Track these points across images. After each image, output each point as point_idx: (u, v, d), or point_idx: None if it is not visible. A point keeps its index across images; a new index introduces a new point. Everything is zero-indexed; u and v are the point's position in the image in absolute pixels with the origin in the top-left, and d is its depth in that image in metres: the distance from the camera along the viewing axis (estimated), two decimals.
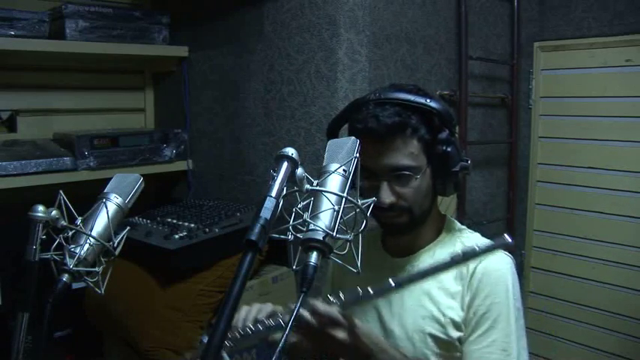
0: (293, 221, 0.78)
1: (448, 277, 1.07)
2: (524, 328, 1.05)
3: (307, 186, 0.80)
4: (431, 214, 1.12)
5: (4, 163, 1.80)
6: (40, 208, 0.83)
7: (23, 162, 1.84)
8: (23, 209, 0.84)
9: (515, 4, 2.33)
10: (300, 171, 0.79)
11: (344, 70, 1.75)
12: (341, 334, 0.92)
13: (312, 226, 0.75)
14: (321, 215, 0.76)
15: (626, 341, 2.25)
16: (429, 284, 1.08)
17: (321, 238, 0.74)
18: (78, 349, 1.94)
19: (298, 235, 0.77)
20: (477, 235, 1.15)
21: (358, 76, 1.77)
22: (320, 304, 0.91)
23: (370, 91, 1.10)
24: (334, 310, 0.88)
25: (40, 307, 0.81)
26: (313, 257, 0.73)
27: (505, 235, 0.87)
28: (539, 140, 2.49)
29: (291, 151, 0.79)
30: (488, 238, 1.11)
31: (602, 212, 2.31)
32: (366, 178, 1.06)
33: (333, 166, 0.82)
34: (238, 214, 1.87)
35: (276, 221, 0.75)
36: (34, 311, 0.83)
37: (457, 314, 1.05)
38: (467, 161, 1.07)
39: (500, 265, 1.05)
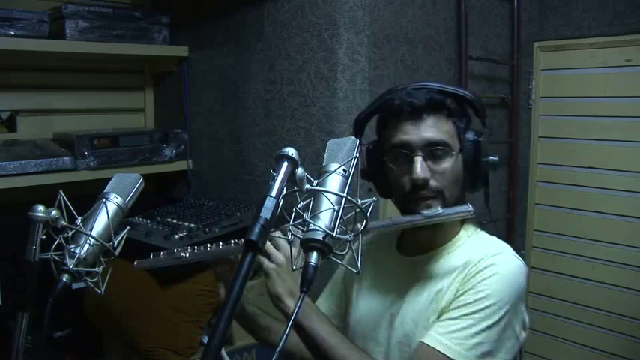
0: (293, 221, 0.78)
1: (444, 278, 1.05)
2: (509, 344, 0.99)
3: (307, 186, 0.80)
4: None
5: (4, 163, 1.80)
6: (40, 208, 0.83)
7: (23, 162, 1.84)
8: (23, 209, 0.84)
9: (515, 4, 2.33)
10: (300, 171, 0.79)
11: (344, 70, 1.75)
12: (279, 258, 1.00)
13: (312, 226, 0.75)
14: (321, 215, 0.76)
15: (626, 341, 2.25)
16: (428, 291, 1.05)
17: (321, 238, 0.74)
18: (78, 349, 1.93)
19: (298, 235, 0.77)
20: (494, 238, 1.11)
21: (358, 76, 1.77)
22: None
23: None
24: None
25: (40, 307, 0.81)
26: (313, 257, 0.73)
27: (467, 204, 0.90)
28: (539, 140, 2.49)
29: (291, 151, 0.79)
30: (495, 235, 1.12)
31: (602, 212, 2.31)
32: (397, 160, 1.05)
33: (333, 166, 0.82)
34: (238, 214, 1.87)
35: (276, 221, 0.75)
36: (34, 311, 0.83)
37: (446, 300, 1.04)
38: (495, 156, 1.06)
39: (510, 266, 1.01)
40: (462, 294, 0.99)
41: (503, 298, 0.97)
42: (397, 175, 1.06)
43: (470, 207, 0.95)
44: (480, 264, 1.01)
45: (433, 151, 1.02)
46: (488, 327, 0.96)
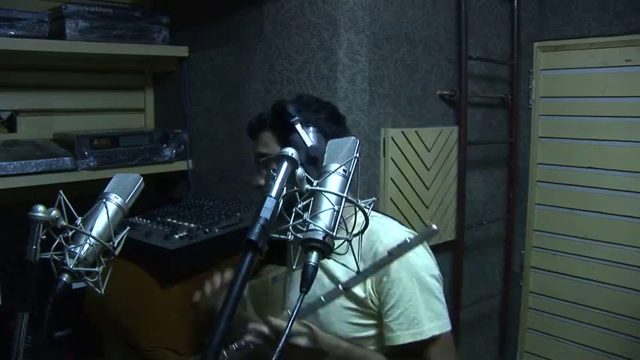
0: (293, 221, 0.78)
1: (351, 259, 1.10)
2: (434, 294, 1.16)
3: (307, 186, 0.80)
4: None
5: (4, 163, 1.80)
6: (40, 208, 0.83)
7: (23, 162, 1.84)
8: (23, 209, 0.84)
9: (515, 4, 2.33)
10: (300, 171, 0.80)
11: (344, 70, 1.75)
12: (303, 341, 1.07)
13: (312, 226, 0.75)
14: (321, 215, 0.76)
15: (626, 341, 2.25)
16: (337, 270, 1.19)
17: (321, 238, 0.74)
18: (78, 349, 1.93)
19: (298, 235, 0.77)
20: (377, 215, 1.26)
21: (358, 76, 1.77)
22: (274, 320, 1.08)
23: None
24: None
25: (40, 307, 0.81)
26: (313, 257, 0.74)
27: (432, 224, 0.87)
28: (539, 140, 2.49)
29: (291, 151, 0.79)
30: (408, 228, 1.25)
31: (602, 212, 2.31)
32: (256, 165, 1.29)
33: (333, 166, 0.82)
34: (238, 214, 1.87)
35: (276, 221, 0.75)
36: (34, 311, 0.83)
37: (363, 289, 1.16)
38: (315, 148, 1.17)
39: (399, 238, 1.09)
40: (390, 290, 1.14)
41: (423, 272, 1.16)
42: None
43: (434, 227, 0.90)
44: (379, 255, 1.11)
45: (262, 161, 1.26)
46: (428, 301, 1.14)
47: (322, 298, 0.99)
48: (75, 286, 0.86)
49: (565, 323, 2.44)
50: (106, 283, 0.87)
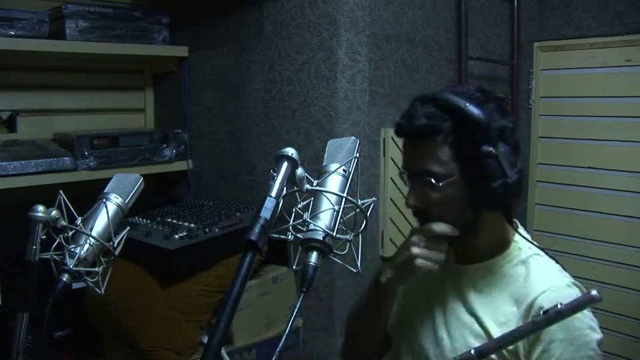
0: (293, 221, 0.78)
1: (503, 300, 1.02)
2: None
3: (307, 186, 0.80)
4: (482, 226, 1.02)
5: (4, 163, 1.80)
6: (40, 208, 0.83)
7: (23, 162, 1.84)
8: (23, 209, 0.84)
9: (515, 4, 2.32)
10: (300, 171, 0.80)
11: (344, 70, 1.75)
12: None
13: (312, 226, 0.75)
14: (321, 215, 0.76)
15: (626, 341, 2.25)
16: (481, 308, 1.04)
17: (321, 238, 0.74)
18: (78, 349, 1.93)
19: (298, 235, 0.77)
20: (545, 258, 1.06)
21: (358, 76, 1.77)
22: None
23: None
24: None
25: (40, 307, 0.82)
26: (313, 257, 0.73)
27: (593, 291, 0.73)
28: (539, 140, 2.48)
29: (291, 151, 0.79)
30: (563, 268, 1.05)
31: (602, 212, 2.31)
32: (402, 175, 1.05)
33: (333, 166, 0.82)
34: (238, 214, 1.87)
35: (276, 221, 0.75)
36: (34, 311, 0.83)
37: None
38: (513, 178, 0.94)
39: (564, 297, 0.95)
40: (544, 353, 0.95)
41: (588, 345, 0.97)
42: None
43: (595, 293, 0.75)
44: (535, 310, 0.95)
45: (424, 179, 0.98)
46: None
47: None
48: (75, 286, 0.86)
49: None
50: (106, 283, 0.87)
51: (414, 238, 1.00)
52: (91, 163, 1.99)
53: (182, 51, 2.28)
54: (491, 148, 0.93)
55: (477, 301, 1.04)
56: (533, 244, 1.08)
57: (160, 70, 2.45)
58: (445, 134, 0.96)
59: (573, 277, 1.05)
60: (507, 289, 1.02)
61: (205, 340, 1.69)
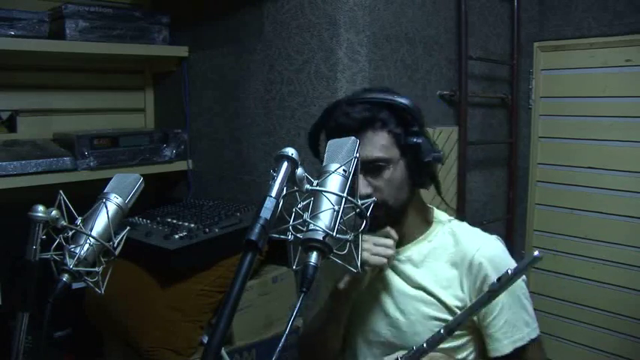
0: (293, 221, 0.78)
1: (441, 267, 1.14)
2: (527, 297, 1.13)
3: (307, 186, 0.80)
4: (411, 206, 1.16)
5: (4, 163, 1.80)
6: (40, 208, 0.83)
7: (23, 162, 1.84)
8: (23, 209, 0.84)
9: (515, 4, 2.33)
10: (300, 171, 0.80)
11: (344, 70, 1.75)
12: None
13: (312, 226, 0.75)
14: (321, 215, 0.76)
15: (626, 341, 2.25)
16: (424, 278, 1.14)
17: (321, 238, 0.74)
18: (78, 349, 1.93)
19: (298, 235, 0.77)
20: (465, 224, 1.20)
21: (358, 76, 1.77)
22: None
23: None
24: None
25: (40, 307, 0.81)
26: (313, 257, 0.73)
27: (535, 251, 0.80)
28: (539, 140, 2.49)
29: (291, 151, 0.79)
30: (481, 229, 1.20)
31: (602, 212, 2.31)
32: None
33: (333, 166, 0.82)
34: (238, 214, 1.87)
35: (276, 221, 0.75)
36: (34, 311, 0.83)
37: (457, 298, 1.11)
38: (439, 152, 1.12)
39: (497, 251, 1.13)
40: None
41: (520, 285, 1.12)
42: None
43: (536, 254, 0.82)
44: (484, 267, 1.09)
45: (370, 167, 1.08)
46: (527, 303, 1.12)
47: (424, 345, 0.91)
48: (75, 286, 0.86)
49: (565, 323, 2.43)
50: (106, 283, 0.87)
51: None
52: (91, 163, 1.99)
53: (182, 51, 2.29)
54: (421, 129, 1.10)
55: (418, 275, 1.15)
56: (451, 217, 1.22)
57: (160, 70, 2.45)
58: (382, 122, 1.09)
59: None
60: (442, 257, 1.14)
61: (205, 340, 1.69)
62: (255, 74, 2.02)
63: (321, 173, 0.82)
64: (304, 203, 0.79)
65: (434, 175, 1.16)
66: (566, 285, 2.42)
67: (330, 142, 0.88)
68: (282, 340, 0.66)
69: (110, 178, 0.95)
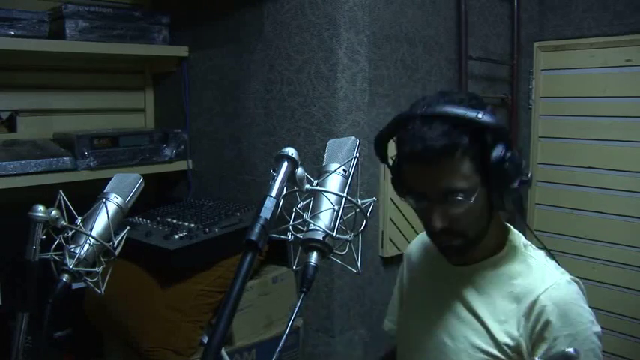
0: (293, 221, 0.78)
1: (501, 297, 1.04)
2: (598, 355, 0.99)
3: (307, 186, 0.80)
4: (490, 228, 1.05)
5: (4, 163, 1.79)
6: (40, 208, 0.83)
7: (23, 162, 1.84)
8: (23, 209, 0.84)
9: (515, 4, 2.32)
10: (300, 171, 0.80)
11: (344, 70, 1.75)
12: None
13: (312, 226, 0.75)
14: (321, 215, 0.76)
15: (626, 341, 2.25)
16: (480, 306, 1.05)
17: (321, 238, 0.74)
18: (78, 349, 1.93)
19: (298, 235, 0.77)
20: (541, 253, 1.08)
21: (358, 76, 1.77)
22: None
23: (417, 100, 1.01)
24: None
25: (40, 307, 0.81)
26: (313, 257, 0.73)
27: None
28: (539, 140, 2.48)
29: (291, 151, 0.79)
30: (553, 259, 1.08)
31: (602, 212, 2.31)
32: (415, 199, 1.01)
33: (333, 166, 0.82)
34: (238, 214, 1.87)
35: (276, 221, 0.75)
36: (34, 311, 0.83)
37: (509, 335, 1.01)
38: (527, 175, 0.98)
39: (568, 296, 0.99)
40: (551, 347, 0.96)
41: (590, 338, 0.98)
42: (419, 213, 1.02)
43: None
44: (548, 312, 0.97)
45: (451, 199, 0.96)
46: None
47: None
48: (75, 286, 0.86)
49: None
50: (106, 283, 0.87)
51: None
52: (91, 163, 1.99)
53: (182, 51, 2.28)
54: (507, 152, 0.94)
55: (476, 300, 1.05)
56: (528, 242, 1.09)
57: (160, 70, 2.45)
58: (464, 149, 0.94)
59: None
60: (506, 287, 1.03)
61: (205, 340, 1.69)
62: (255, 74, 2.02)
63: (321, 173, 0.82)
64: (304, 203, 0.79)
65: (519, 201, 1.00)
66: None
67: (330, 142, 0.88)
68: (282, 340, 0.66)
69: (110, 178, 0.95)
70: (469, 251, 1.04)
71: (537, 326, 0.97)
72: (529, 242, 1.09)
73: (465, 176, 0.95)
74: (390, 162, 1.08)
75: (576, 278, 1.03)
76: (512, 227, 1.11)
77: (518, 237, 1.10)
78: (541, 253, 1.07)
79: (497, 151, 0.94)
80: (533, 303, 0.98)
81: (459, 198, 0.95)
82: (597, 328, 0.99)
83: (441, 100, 0.97)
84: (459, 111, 0.93)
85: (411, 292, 1.22)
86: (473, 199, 0.96)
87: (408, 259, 1.30)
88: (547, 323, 0.96)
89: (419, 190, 0.99)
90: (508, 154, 0.94)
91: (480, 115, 0.92)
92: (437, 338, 1.09)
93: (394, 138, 1.03)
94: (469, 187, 0.95)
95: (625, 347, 2.25)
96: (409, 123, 0.96)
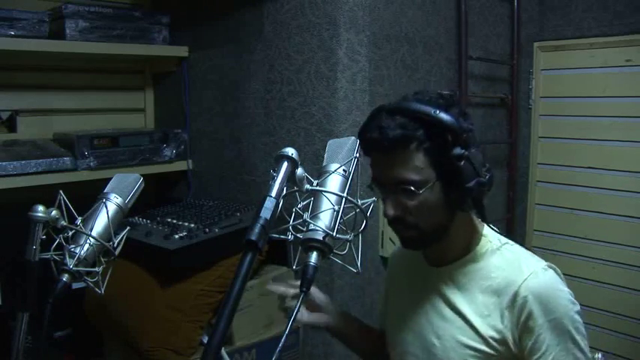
0: (293, 221, 0.78)
1: (482, 292, 1.06)
2: (581, 332, 1.04)
3: (307, 186, 0.80)
4: (455, 227, 1.06)
5: (4, 163, 1.80)
6: (40, 208, 0.83)
7: (23, 162, 1.84)
8: (23, 209, 0.84)
9: (515, 4, 2.32)
10: (300, 171, 0.80)
11: (344, 70, 1.75)
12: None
13: (312, 226, 0.75)
14: (321, 215, 0.76)
15: (626, 341, 2.25)
16: (462, 303, 1.07)
17: (321, 238, 0.74)
18: (78, 349, 1.93)
19: (298, 235, 0.77)
20: (517, 247, 1.10)
21: (358, 76, 1.77)
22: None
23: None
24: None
25: (40, 307, 0.81)
26: (313, 257, 0.73)
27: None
28: (539, 140, 2.48)
29: (291, 151, 0.79)
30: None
31: (602, 212, 2.31)
32: (377, 187, 1.04)
33: (333, 166, 0.82)
34: (238, 214, 1.87)
35: (276, 221, 0.75)
36: (34, 311, 0.83)
37: (494, 329, 1.03)
38: (486, 177, 1.00)
39: (547, 284, 1.02)
40: (545, 338, 1.00)
41: (576, 316, 1.03)
42: (383, 200, 1.05)
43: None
44: (530, 303, 1.00)
45: (402, 189, 0.99)
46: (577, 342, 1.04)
47: None
48: (75, 286, 0.86)
49: None
50: (106, 283, 0.87)
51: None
52: (91, 163, 1.99)
53: (182, 51, 2.28)
54: (463, 151, 0.96)
55: (458, 298, 1.07)
56: (502, 234, 1.12)
57: (160, 70, 2.45)
58: (419, 142, 0.97)
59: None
60: (485, 282, 1.06)
61: (205, 340, 1.69)
62: (255, 74, 2.02)
63: (321, 173, 0.82)
64: (304, 203, 0.79)
65: (477, 200, 1.04)
66: (566, 285, 2.41)
67: (330, 142, 0.88)
68: (282, 340, 0.66)
69: (110, 178, 0.95)
70: (427, 244, 1.07)
71: (522, 317, 1.00)
72: (506, 239, 1.12)
73: (417, 168, 0.98)
74: None
75: (552, 264, 1.06)
76: (486, 225, 1.13)
77: (493, 234, 1.12)
78: (517, 247, 1.10)
79: (454, 150, 0.97)
80: (515, 295, 1.01)
81: (410, 188, 0.98)
82: (577, 307, 1.03)
83: (411, 98, 1.02)
84: (417, 106, 0.97)
85: (396, 295, 1.24)
86: (423, 191, 0.98)
87: (391, 262, 1.34)
88: (530, 314, 0.99)
89: (377, 178, 1.03)
90: (464, 153, 0.96)
91: (435, 112, 0.96)
92: (424, 340, 1.10)
93: None
94: (420, 180, 0.98)
95: (625, 347, 2.25)
96: (377, 115, 1.01)
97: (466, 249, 1.09)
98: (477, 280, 1.06)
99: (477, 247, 1.09)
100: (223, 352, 1.60)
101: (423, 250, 1.15)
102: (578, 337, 1.03)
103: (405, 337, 1.14)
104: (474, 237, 1.10)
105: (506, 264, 1.05)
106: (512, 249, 1.09)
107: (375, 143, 0.98)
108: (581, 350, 1.04)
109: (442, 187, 1.00)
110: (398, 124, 0.96)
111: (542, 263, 1.05)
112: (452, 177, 0.98)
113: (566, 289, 1.04)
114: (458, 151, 0.97)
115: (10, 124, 2.14)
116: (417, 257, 1.17)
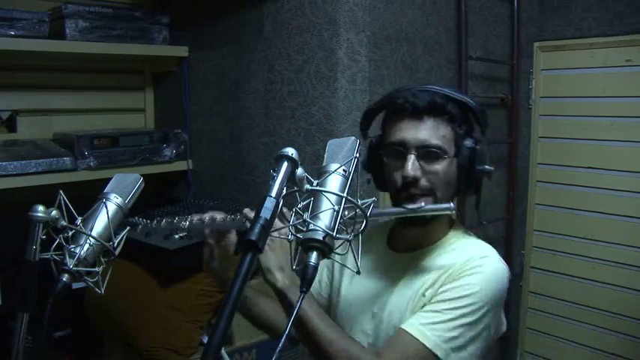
0: (293, 221, 0.78)
1: (433, 274, 1.09)
2: (480, 344, 1.02)
3: (307, 186, 0.80)
4: (441, 215, 1.11)
5: (4, 163, 1.80)
6: (40, 208, 0.83)
7: (23, 162, 1.84)
8: (23, 209, 0.84)
9: (515, 4, 2.33)
10: (300, 171, 0.80)
11: (344, 70, 1.75)
12: None
13: (312, 226, 0.75)
14: (321, 215, 0.76)
15: (626, 341, 2.25)
16: (415, 287, 1.09)
17: (321, 238, 0.74)
18: (78, 349, 1.93)
19: (298, 235, 0.77)
20: (483, 242, 1.14)
21: (358, 76, 1.77)
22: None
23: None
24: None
25: (40, 307, 0.81)
26: (313, 257, 0.73)
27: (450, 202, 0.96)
28: (539, 140, 2.48)
29: (291, 151, 0.79)
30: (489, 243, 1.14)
31: (602, 212, 2.31)
32: (393, 155, 1.08)
33: (333, 166, 0.82)
34: (238, 214, 1.87)
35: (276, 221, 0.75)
36: (34, 311, 0.83)
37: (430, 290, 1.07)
38: (491, 166, 1.09)
39: (495, 269, 1.05)
40: (447, 290, 1.03)
41: (483, 299, 1.01)
42: (391, 170, 1.09)
43: (452, 205, 0.99)
44: (467, 264, 1.04)
45: (427, 152, 1.05)
46: (467, 324, 1.00)
47: None
48: (75, 286, 0.86)
49: (565, 323, 2.43)
50: (106, 283, 0.87)
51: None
52: (91, 163, 1.99)
53: (182, 51, 2.29)
54: (481, 140, 1.08)
55: (417, 283, 1.10)
56: (470, 234, 1.16)
57: (160, 70, 2.45)
58: (450, 116, 1.06)
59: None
60: (443, 261, 1.10)
61: (205, 340, 1.69)
62: (255, 74, 2.02)
63: (321, 173, 0.82)
64: (304, 203, 0.79)
65: (479, 187, 1.12)
66: (566, 285, 2.42)
67: (330, 142, 0.88)
68: (282, 340, 0.66)
69: (110, 178, 0.95)
70: (425, 222, 1.09)
71: (449, 271, 1.05)
72: (472, 234, 1.17)
73: (444, 138, 1.06)
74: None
75: (501, 260, 1.09)
76: (456, 219, 1.21)
77: (460, 227, 1.18)
78: (482, 242, 1.15)
79: (474, 134, 1.10)
80: (452, 264, 1.06)
81: (436, 151, 1.05)
82: (483, 293, 1.02)
83: (429, 84, 1.11)
84: (447, 90, 1.08)
85: (350, 279, 1.23)
86: (446, 157, 1.05)
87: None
88: (454, 264, 1.05)
89: (401, 139, 1.07)
90: (482, 139, 1.08)
91: (466, 97, 1.08)
92: (375, 319, 1.13)
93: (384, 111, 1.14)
94: (444, 147, 1.06)
95: (625, 347, 2.25)
96: (401, 93, 1.09)
97: (436, 239, 1.14)
98: (438, 262, 1.10)
99: (443, 239, 1.14)
100: (223, 352, 1.60)
101: (390, 239, 1.20)
102: (459, 307, 1.00)
103: (358, 317, 1.16)
104: (446, 229, 1.16)
105: (465, 247, 1.11)
106: (476, 242, 1.14)
107: (411, 106, 1.05)
108: (451, 319, 1.00)
109: (456, 166, 1.08)
110: (434, 94, 1.06)
111: (489, 254, 1.08)
112: (466, 159, 1.07)
113: (492, 279, 1.04)
114: (479, 135, 1.09)
115: (10, 124, 2.14)
116: (378, 244, 1.21)
